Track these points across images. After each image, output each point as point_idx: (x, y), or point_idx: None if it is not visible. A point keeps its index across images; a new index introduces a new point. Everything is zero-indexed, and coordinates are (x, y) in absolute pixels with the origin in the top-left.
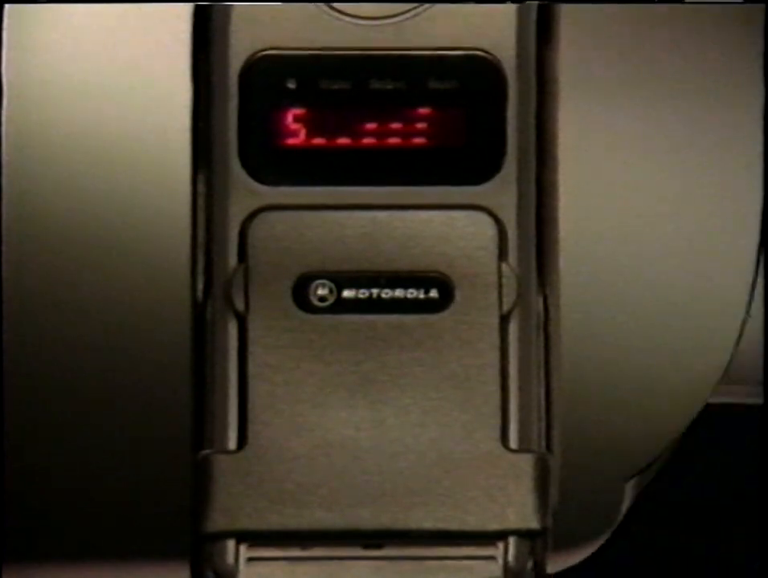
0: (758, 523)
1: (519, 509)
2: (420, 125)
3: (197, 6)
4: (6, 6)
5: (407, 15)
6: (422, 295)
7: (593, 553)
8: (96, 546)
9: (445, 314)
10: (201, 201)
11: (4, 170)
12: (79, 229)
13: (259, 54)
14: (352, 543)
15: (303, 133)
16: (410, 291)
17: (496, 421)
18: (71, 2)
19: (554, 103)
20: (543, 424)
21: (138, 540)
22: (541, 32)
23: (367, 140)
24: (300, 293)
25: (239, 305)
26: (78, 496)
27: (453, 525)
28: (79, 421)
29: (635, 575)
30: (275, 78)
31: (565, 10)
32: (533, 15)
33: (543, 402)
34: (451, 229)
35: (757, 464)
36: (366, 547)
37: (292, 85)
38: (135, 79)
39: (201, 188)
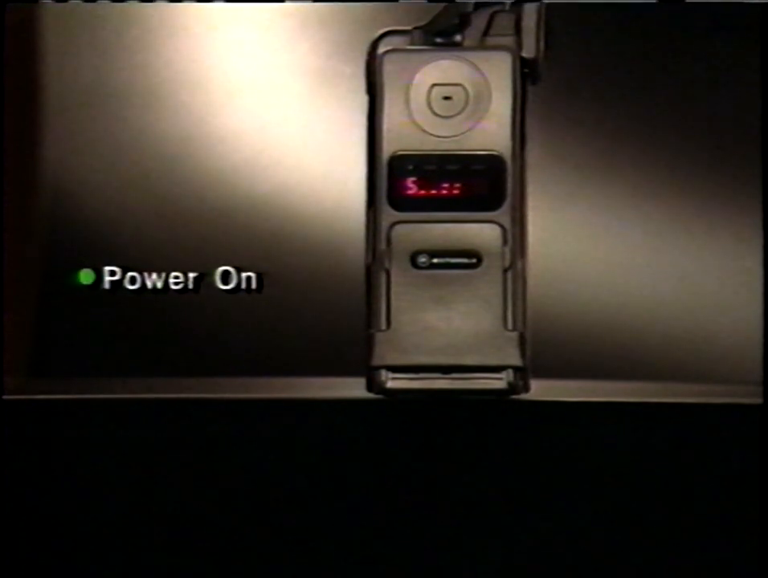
0: (758, 523)
1: (511, 356)
2: (468, 186)
3: None
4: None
5: (462, 134)
6: (468, 261)
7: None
8: (287, 364)
9: (479, 268)
10: (372, 219)
11: None
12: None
13: (397, 153)
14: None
15: (415, 188)
16: (464, 259)
17: (501, 314)
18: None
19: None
20: (522, 316)
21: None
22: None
23: (443, 192)
24: (413, 260)
25: (387, 265)
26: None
27: (485, 362)
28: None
29: (635, 575)
30: (402, 164)
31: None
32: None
33: (521, 307)
34: (483, 230)
35: (756, 464)
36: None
37: (411, 167)
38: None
39: (371, 213)
